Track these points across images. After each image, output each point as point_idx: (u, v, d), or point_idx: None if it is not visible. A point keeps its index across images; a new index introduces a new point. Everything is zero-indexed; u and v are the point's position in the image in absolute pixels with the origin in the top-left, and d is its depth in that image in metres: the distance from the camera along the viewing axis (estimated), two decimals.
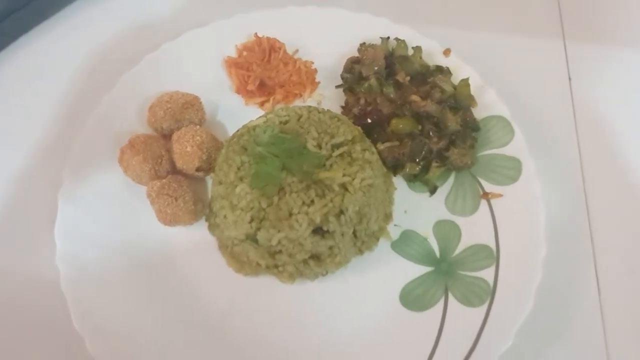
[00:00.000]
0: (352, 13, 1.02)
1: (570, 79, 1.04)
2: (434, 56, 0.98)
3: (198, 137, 0.87)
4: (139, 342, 0.78)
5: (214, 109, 0.97)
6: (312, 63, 1.01)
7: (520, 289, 0.78)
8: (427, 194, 0.90)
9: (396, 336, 0.79)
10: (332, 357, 0.78)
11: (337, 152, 0.81)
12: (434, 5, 1.12)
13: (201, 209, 0.86)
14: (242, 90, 0.98)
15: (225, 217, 0.79)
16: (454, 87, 0.94)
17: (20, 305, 0.85)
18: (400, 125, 0.90)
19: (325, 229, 0.78)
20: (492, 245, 0.83)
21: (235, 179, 0.80)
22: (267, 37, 1.00)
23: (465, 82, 0.93)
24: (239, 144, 0.83)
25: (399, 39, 0.98)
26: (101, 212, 0.86)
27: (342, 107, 0.96)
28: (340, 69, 0.98)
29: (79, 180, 0.87)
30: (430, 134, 0.90)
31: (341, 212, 0.78)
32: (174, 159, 0.88)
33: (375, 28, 1.00)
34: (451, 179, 0.90)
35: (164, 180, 0.85)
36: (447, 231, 0.86)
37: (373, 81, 0.93)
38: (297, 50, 1.02)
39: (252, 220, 0.77)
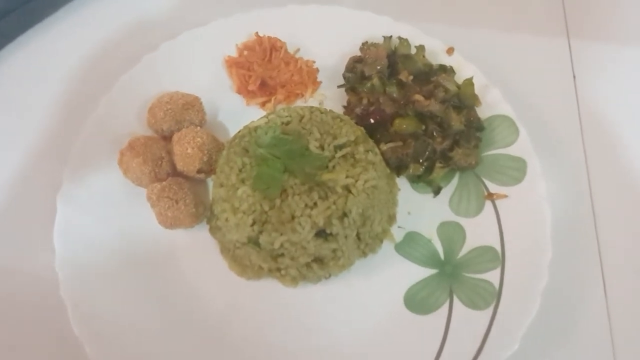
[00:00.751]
0: (354, 11, 1.01)
1: (574, 77, 1.03)
2: (437, 55, 0.97)
3: (199, 139, 0.86)
4: (140, 347, 0.77)
5: (215, 110, 0.96)
6: (314, 62, 1.00)
7: (526, 291, 0.77)
8: (431, 195, 0.89)
9: (400, 340, 0.78)
10: None
11: (340, 154, 0.80)
12: (436, 3, 1.12)
13: (202, 211, 0.85)
14: (243, 90, 0.97)
15: (226, 220, 0.78)
16: (458, 87, 0.93)
17: (18, 309, 0.84)
18: (403, 125, 0.89)
19: (328, 231, 0.77)
20: (497, 246, 0.83)
21: (236, 181, 0.79)
22: (268, 36, 1.00)
23: (469, 81, 0.92)
24: (240, 146, 0.82)
25: (402, 38, 0.97)
26: (100, 215, 0.85)
27: (344, 107, 0.95)
28: (342, 69, 0.97)
29: (78, 182, 0.86)
30: (434, 134, 0.89)
31: (344, 214, 0.77)
32: (174, 160, 0.87)
33: (377, 26, 0.98)
34: (455, 180, 0.89)
35: (164, 183, 0.84)
36: (451, 233, 0.85)
37: (375, 81, 0.92)
38: (298, 50, 1.01)
39: (254, 223, 0.76)
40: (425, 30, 0.98)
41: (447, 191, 0.89)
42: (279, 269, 0.80)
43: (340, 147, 0.81)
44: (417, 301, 0.81)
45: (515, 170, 0.87)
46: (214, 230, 0.86)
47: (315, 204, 0.76)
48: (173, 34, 0.99)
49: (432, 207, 0.87)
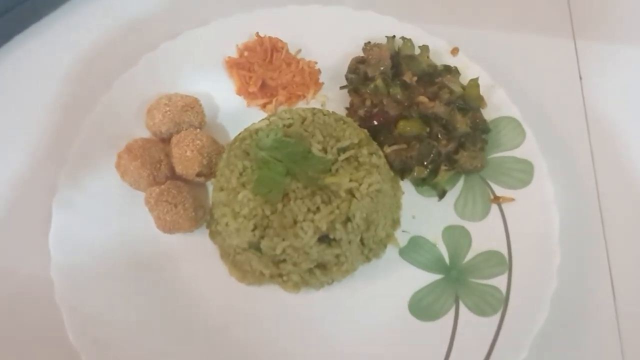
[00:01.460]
0: (356, 11, 1.00)
1: (581, 78, 1.02)
2: (441, 55, 0.96)
3: (198, 141, 0.84)
4: (138, 355, 0.75)
5: (215, 111, 0.95)
6: (316, 63, 0.99)
7: (534, 297, 0.76)
8: (436, 198, 0.87)
9: (406, 347, 0.76)
10: None
11: (343, 157, 0.78)
12: (441, 3, 1.11)
13: (202, 215, 0.84)
14: (244, 91, 0.96)
15: (227, 224, 0.77)
16: (463, 88, 0.92)
17: (12, 317, 0.82)
18: (407, 127, 0.88)
19: (331, 236, 0.75)
20: (504, 251, 0.81)
21: (237, 184, 0.77)
22: (269, 37, 0.99)
23: (474, 83, 0.91)
24: (241, 148, 0.80)
25: (405, 38, 0.96)
26: (98, 219, 0.84)
27: (347, 108, 0.94)
28: (345, 69, 0.96)
29: (74, 186, 0.85)
30: (439, 136, 0.88)
31: (348, 219, 0.75)
32: (173, 164, 0.86)
33: (380, 26, 0.98)
34: (460, 183, 0.88)
35: (162, 187, 0.82)
36: (456, 237, 0.84)
37: (379, 82, 0.91)
38: (300, 50, 1.00)
39: (255, 228, 0.75)
40: (429, 30, 0.97)
41: (452, 194, 0.87)
42: (280, 275, 0.79)
43: (343, 150, 0.79)
44: (423, 307, 0.79)
45: (522, 173, 0.85)
46: (213, 235, 0.84)
47: (318, 208, 0.74)
48: (173, 34, 0.98)
49: (437, 211, 0.86)
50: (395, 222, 0.85)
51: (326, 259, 0.77)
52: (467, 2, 1.11)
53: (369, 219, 0.78)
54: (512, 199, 0.84)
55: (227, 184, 0.78)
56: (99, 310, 0.77)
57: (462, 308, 0.78)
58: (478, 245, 0.83)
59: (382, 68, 0.93)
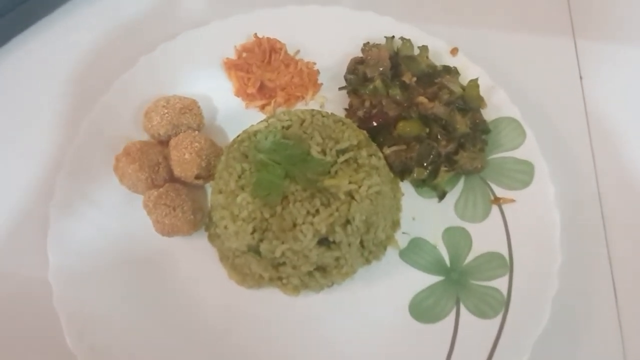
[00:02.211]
0: (355, 12, 0.99)
1: (581, 77, 1.02)
2: (441, 56, 0.95)
3: (196, 144, 0.84)
4: (137, 359, 0.75)
5: (213, 113, 0.95)
6: (314, 64, 0.98)
7: (535, 299, 0.76)
8: (436, 199, 0.87)
9: (406, 350, 0.76)
10: None
11: (342, 158, 0.78)
12: (440, 3, 1.10)
13: (200, 218, 0.83)
14: (242, 93, 0.96)
15: (226, 227, 0.76)
16: (463, 88, 0.92)
17: (10, 321, 0.82)
18: (407, 128, 0.87)
19: (331, 239, 0.74)
20: (505, 253, 0.81)
21: (236, 187, 0.76)
22: (267, 38, 0.98)
23: (474, 83, 0.91)
24: (240, 151, 0.80)
25: (405, 38, 0.96)
26: (96, 223, 0.83)
27: (346, 109, 0.94)
28: (344, 70, 0.96)
29: (72, 190, 0.84)
30: (439, 137, 0.87)
31: (348, 221, 0.75)
32: (171, 166, 0.85)
33: (379, 27, 0.97)
34: (460, 184, 0.88)
35: (161, 190, 0.82)
36: (457, 238, 0.83)
37: (378, 82, 0.90)
38: (298, 51, 0.99)
39: (254, 231, 0.74)
40: (428, 30, 0.96)
41: (453, 196, 0.87)
42: (280, 278, 0.78)
43: (342, 152, 0.79)
44: (423, 309, 0.79)
45: (522, 174, 0.85)
46: (212, 238, 0.84)
47: (317, 211, 0.74)
48: (170, 36, 0.97)
49: (437, 213, 0.86)
50: (395, 224, 0.84)
51: (326, 262, 0.77)
52: (467, 2, 1.10)
53: (369, 221, 0.77)
54: (513, 200, 0.84)
55: (225, 186, 0.78)
56: (97, 314, 0.77)
57: (463, 310, 0.78)
58: (478, 247, 0.82)
59: (381, 69, 0.92)
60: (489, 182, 0.86)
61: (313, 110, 0.85)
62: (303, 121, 0.82)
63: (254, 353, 0.77)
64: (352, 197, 0.75)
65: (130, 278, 0.80)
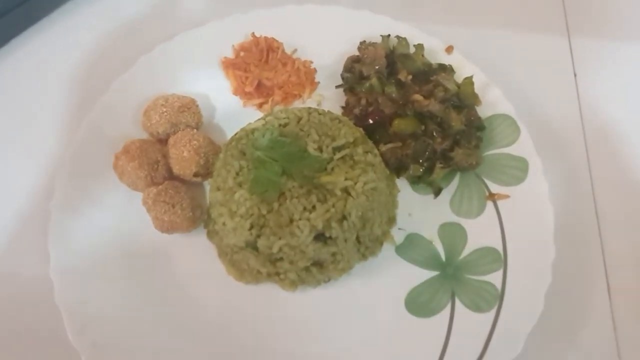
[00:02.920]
0: (351, 11, 1.00)
1: (575, 75, 1.02)
2: (436, 54, 0.96)
3: (195, 142, 0.85)
4: (137, 354, 0.76)
5: (211, 112, 0.95)
6: (311, 63, 0.99)
7: (529, 293, 0.77)
8: (432, 196, 0.88)
9: (402, 343, 0.77)
10: None
11: (338, 155, 0.79)
12: (435, 1, 1.11)
13: (199, 215, 0.84)
14: (240, 91, 0.96)
15: (224, 224, 0.77)
16: (458, 86, 0.92)
17: (12, 318, 0.83)
18: (402, 125, 0.88)
19: (327, 235, 0.75)
20: (500, 248, 0.81)
21: (234, 184, 0.77)
22: (264, 37, 0.99)
23: (469, 80, 0.91)
24: (238, 148, 0.81)
25: (400, 37, 0.96)
26: (96, 220, 0.84)
27: (343, 107, 0.94)
28: (340, 69, 0.96)
29: (72, 188, 0.85)
30: (434, 134, 0.88)
31: (344, 217, 0.76)
32: (170, 164, 0.86)
33: (375, 26, 0.97)
34: (456, 180, 0.88)
35: (160, 187, 0.83)
36: (452, 234, 0.84)
37: (374, 81, 0.91)
38: (295, 50, 1.00)
39: (252, 227, 0.75)
40: (424, 29, 0.97)
41: (448, 192, 0.87)
42: (277, 273, 0.79)
43: (339, 149, 0.80)
44: (419, 304, 0.79)
45: (517, 170, 0.86)
46: (211, 235, 0.84)
47: (314, 207, 0.75)
48: (169, 35, 0.98)
49: (432, 209, 0.86)
50: (391, 220, 0.85)
51: (322, 257, 0.78)
52: (461, 1, 1.10)
53: (365, 217, 0.78)
54: (508, 196, 0.84)
55: (223, 183, 0.79)
56: (98, 310, 0.78)
57: (458, 304, 0.78)
58: (474, 242, 0.83)
59: (377, 67, 0.93)
60: (484, 179, 0.87)
61: (310, 108, 0.85)
62: (300, 119, 0.82)
63: (252, 347, 0.78)
64: (348, 194, 0.76)
65: (130, 274, 0.81)
